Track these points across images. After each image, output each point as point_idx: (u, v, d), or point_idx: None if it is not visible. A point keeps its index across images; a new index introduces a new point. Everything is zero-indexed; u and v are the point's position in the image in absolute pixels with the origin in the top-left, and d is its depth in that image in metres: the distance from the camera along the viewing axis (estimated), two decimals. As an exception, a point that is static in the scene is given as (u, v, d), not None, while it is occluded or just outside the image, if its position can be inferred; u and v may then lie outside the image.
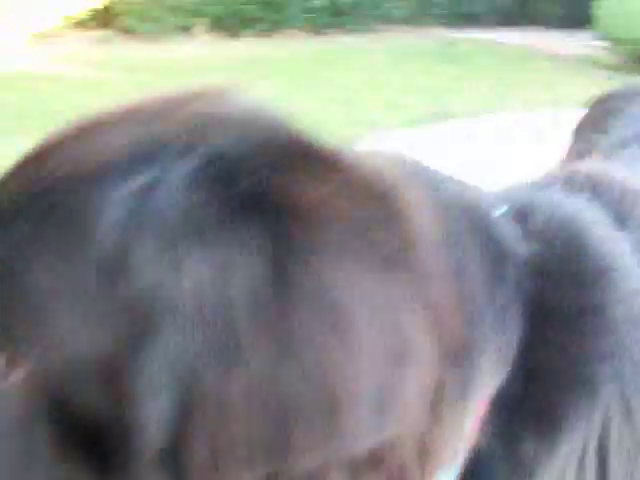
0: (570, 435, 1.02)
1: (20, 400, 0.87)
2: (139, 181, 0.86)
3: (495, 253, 1.02)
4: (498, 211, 1.08)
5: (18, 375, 0.86)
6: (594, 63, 12.06)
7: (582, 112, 1.99)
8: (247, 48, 12.00)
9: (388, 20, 14.34)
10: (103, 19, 11.91)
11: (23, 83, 8.42)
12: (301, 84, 9.42)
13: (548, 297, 1.04)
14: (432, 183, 1.03)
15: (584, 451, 1.02)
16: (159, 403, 0.82)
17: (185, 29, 12.24)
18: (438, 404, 0.90)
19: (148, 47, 11.50)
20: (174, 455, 0.84)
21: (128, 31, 11.95)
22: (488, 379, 0.99)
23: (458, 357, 0.92)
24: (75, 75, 9.10)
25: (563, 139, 2.07)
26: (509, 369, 1.02)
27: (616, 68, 11.34)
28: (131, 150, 0.89)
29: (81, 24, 11.65)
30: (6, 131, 6.12)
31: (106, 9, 11.69)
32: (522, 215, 1.12)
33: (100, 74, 9.32)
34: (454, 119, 8.35)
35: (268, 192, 0.85)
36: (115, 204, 0.85)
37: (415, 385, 0.86)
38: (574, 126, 1.91)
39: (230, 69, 10.03)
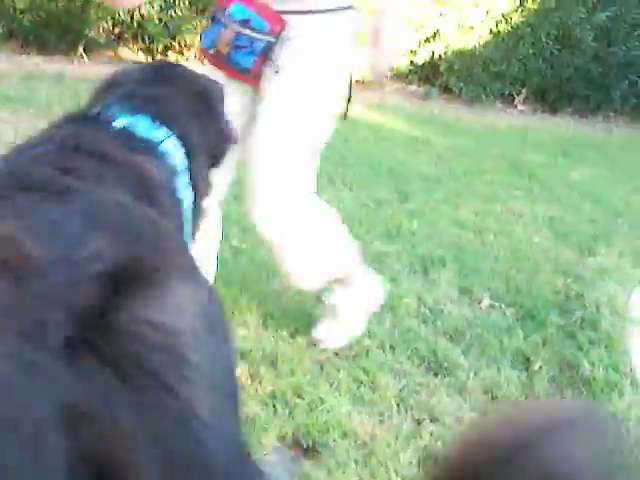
0: None
1: None
2: None
3: None
4: None
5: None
6: None
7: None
8: (565, 125, 11.66)
9: None
10: (425, 75, 11.90)
11: (341, 126, 8.46)
12: (617, 175, 8.97)
13: None
14: None
15: None
16: None
17: (505, 97, 12.03)
18: None
19: (467, 109, 11.40)
20: None
21: (449, 91, 11.88)
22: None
23: None
24: (391, 127, 9.08)
25: None
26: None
27: None
28: None
29: (401, 77, 11.69)
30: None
31: (430, 66, 11.66)
32: None
33: (415, 130, 9.28)
34: None
35: None
36: None
37: None
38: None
39: (546, 145, 9.74)
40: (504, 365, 3.65)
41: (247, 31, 3.05)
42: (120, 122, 1.89)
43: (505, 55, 11.95)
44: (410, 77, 11.82)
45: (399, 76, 11.59)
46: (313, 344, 3.58)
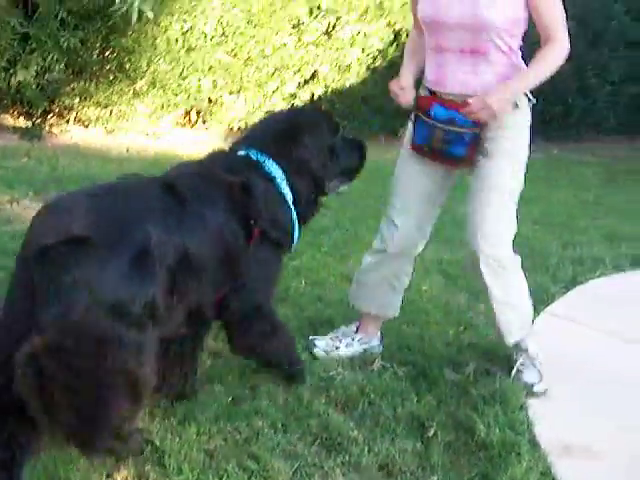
0: None
1: None
2: None
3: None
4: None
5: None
6: None
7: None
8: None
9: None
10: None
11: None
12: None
13: None
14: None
15: None
16: None
17: (389, 131, 12.04)
18: None
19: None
20: None
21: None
22: None
23: None
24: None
25: None
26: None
27: None
28: None
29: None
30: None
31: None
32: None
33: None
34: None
35: None
36: None
37: None
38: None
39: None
40: (399, 434, 3.59)
41: (455, 128, 3.90)
42: (241, 153, 3.64)
43: (384, 90, 11.82)
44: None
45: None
46: (527, 391, 4.10)
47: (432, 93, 4.08)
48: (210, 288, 3.35)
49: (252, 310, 3.64)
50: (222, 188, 3.39)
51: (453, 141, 3.94)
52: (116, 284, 2.76)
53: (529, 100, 4.01)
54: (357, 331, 4.48)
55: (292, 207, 3.66)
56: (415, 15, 4.18)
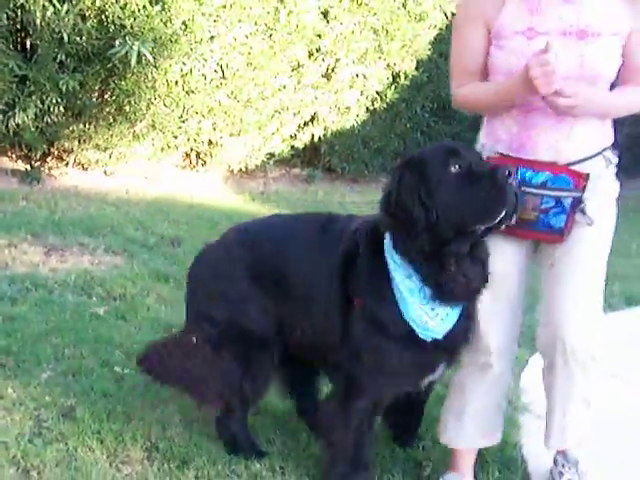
0: None
1: None
2: None
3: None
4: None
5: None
6: None
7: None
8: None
9: None
10: (307, 158, 11.95)
11: (218, 216, 8.40)
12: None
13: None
14: None
15: None
16: None
17: (388, 171, 12.09)
18: None
19: (351, 188, 11.44)
20: None
21: (332, 171, 11.98)
22: None
23: None
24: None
25: None
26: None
27: None
28: None
29: (284, 162, 11.70)
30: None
31: (311, 149, 11.71)
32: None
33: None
34: None
35: None
36: None
37: None
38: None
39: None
40: (396, 474, 3.59)
41: (550, 192, 3.13)
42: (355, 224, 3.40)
43: (383, 131, 12.10)
44: (293, 161, 11.83)
45: (282, 161, 11.59)
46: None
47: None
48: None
49: (346, 386, 3.33)
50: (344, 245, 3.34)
51: (551, 209, 3.15)
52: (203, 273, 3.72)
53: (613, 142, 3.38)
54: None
55: (405, 280, 3.05)
56: (462, 70, 3.36)
